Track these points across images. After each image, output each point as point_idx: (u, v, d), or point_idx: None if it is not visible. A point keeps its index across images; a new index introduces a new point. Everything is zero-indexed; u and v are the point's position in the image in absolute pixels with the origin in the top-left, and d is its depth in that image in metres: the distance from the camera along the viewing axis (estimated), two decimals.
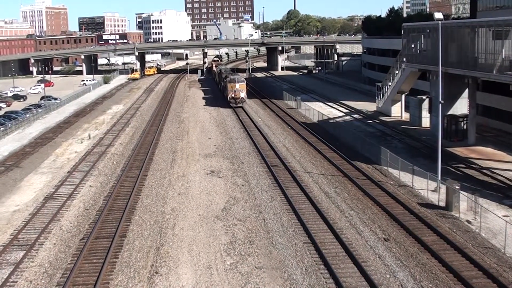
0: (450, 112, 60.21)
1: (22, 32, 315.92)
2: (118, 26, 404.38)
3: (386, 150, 52.14)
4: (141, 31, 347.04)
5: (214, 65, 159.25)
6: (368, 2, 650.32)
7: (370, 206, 41.20)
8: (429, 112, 66.26)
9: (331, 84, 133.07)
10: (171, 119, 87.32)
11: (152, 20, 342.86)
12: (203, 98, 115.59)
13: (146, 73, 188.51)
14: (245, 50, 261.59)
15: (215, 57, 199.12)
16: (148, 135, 73.04)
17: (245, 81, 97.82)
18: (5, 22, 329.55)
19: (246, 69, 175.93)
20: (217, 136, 70.88)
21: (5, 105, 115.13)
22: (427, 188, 43.48)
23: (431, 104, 64.22)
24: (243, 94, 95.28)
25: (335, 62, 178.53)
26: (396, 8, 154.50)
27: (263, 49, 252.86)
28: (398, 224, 37.04)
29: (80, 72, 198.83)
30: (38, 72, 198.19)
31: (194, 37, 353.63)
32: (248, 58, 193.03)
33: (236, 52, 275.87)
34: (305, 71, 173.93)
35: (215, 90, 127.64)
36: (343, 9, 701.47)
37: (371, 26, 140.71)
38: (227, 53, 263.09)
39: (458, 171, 49.67)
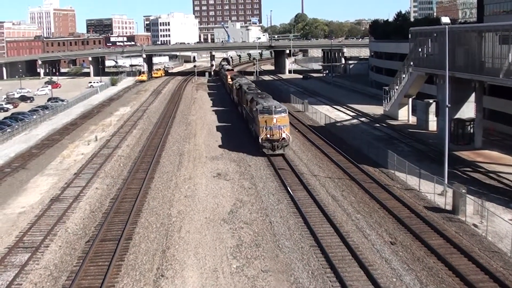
0: (457, 116, 60.04)
1: (30, 33, 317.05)
2: (126, 28, 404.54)
3: (393, 153, 52.02)
4: (149, 34, 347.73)
5: (229, 76, 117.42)
6: (375, 6, 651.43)
7: (376, 209, 41.10)
8: (436, 116, 66.14)
9: (338, 87, 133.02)
10: (178, 121, 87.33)
11: (160, 23, 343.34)
12: (211, 100, 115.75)
13: (153, 75, 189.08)
14: (248, 53, 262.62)
15: (222, 60, 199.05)
16: (155, 137, 73.08)
17: (286, 110, 61.60)
18: (13, 24, 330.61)
19: (254, 71, 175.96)
20: (224, 138, 70.80)
21: (12, 107, 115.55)
22: (434, 191, 43.40)
23: (438, 108, 64.11)
24: (285, 133, 58.77)
25: (343, 65, 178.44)
26: (403, 12, 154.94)
27: (268, 53, 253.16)
28: (404, 228, 36.92)
29: (88, 74, 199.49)
30: (46, 74, 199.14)
31: (202, 40, 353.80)
32: (256, 61, 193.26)
33: (243, 55, 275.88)
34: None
35: (223, 93, 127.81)
36: (351, 13, 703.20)
37: (379, 30, 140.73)
38: (238, 55, 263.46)
39: (464, 175, 49.54)
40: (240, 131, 74.86)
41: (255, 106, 63.55)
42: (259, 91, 79.26)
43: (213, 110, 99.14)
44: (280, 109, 60.20)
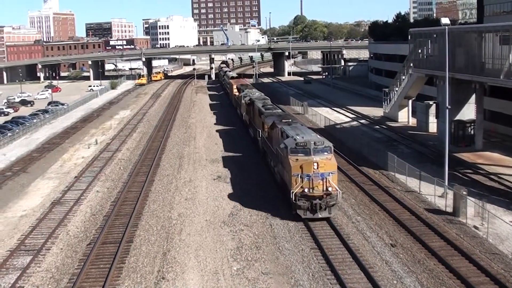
0: (457, 118, 60.06)
1: (29, 37, 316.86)
2: (125, 31, 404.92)
3: (393, 155, 51.99)
4: (148, 37, 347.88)
5: (235, 86, 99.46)
6: (375, 8, 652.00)
7: (377, 211, 41.11)
8: (436, 118, 66.10)
9: (338, 89, 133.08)
10: (178, 124, 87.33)
11: (159, 26, 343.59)
12: (210, 103, 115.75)
13: (153, 78, 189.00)
14: (239, 57, 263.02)
15: (221, 63, 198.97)
16: (155, 140, 73.08)
17: (331, 148, 40.37)
18: (13, 28, 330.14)
19: (253, 74, 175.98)
20: (224, 141, 70.77)
21: (13, 111, 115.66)
22: (434, 193, 43.34)
23: (438, 110, 64.08)
24: (331, 187, 38.52)
25: (342, 67, 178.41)
26: (403, 13, 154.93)
27: (269, 55, 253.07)
28: (405, 230, 36.93)
29: (87, 78, 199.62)
30: (46, 78, 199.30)
31: (201, 43, 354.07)
32: (255, 64, 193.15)
33: (242, 57, 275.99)
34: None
35: (223, 97, 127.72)
36: (350, 15, 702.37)
37: (378, 31, 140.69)
38: (232, 59, 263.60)
39: (465, 177, 49.50)
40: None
41: (280, 138, 44.42)
42: (280, 111, 61.27)
43: (212, 112, 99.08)
44: (322, 146, 39.77)
